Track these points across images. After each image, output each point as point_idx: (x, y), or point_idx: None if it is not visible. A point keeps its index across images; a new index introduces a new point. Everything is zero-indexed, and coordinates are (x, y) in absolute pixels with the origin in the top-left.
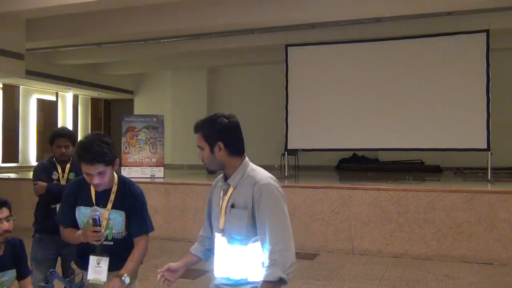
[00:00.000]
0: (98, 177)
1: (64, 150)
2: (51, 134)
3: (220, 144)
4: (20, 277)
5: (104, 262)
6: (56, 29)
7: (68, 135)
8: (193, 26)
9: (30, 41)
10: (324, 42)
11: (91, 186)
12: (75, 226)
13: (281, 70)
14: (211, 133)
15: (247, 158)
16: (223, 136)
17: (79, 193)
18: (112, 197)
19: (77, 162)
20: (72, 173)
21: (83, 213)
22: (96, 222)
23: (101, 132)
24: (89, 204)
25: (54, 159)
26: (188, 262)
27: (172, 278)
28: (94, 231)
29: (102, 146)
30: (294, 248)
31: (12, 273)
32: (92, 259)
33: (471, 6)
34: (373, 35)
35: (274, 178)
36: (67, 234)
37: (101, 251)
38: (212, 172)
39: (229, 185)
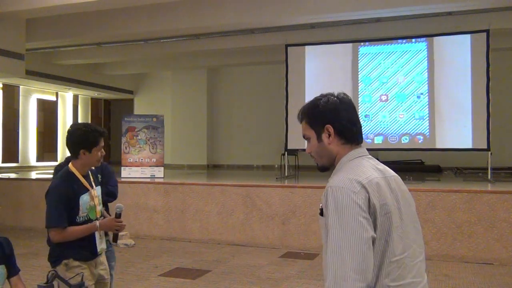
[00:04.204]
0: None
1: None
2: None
3: (329, 127)
4: (10, 274)
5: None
6: (56, 29)
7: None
8: (193, 26)
9: (30, 41)
10: (324, 42)
11: (77, 174)
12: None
13: (281, 70)
14: (317, 116)
15: (357, 150)
16: (332, 117)
17: (74, 186)
18: (93, 177)
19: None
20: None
21: (85, 201)
22: (119, 216)
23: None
24: (86, 189)
25: None
26: None
27: None
28: (118, 222)
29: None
30: (362, 278)
31: (2, 269)
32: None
33: (471, 6)
34: (373, 35)
35: (360, 179)
36: (72, 232)
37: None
38: (323, 169)
39: None
